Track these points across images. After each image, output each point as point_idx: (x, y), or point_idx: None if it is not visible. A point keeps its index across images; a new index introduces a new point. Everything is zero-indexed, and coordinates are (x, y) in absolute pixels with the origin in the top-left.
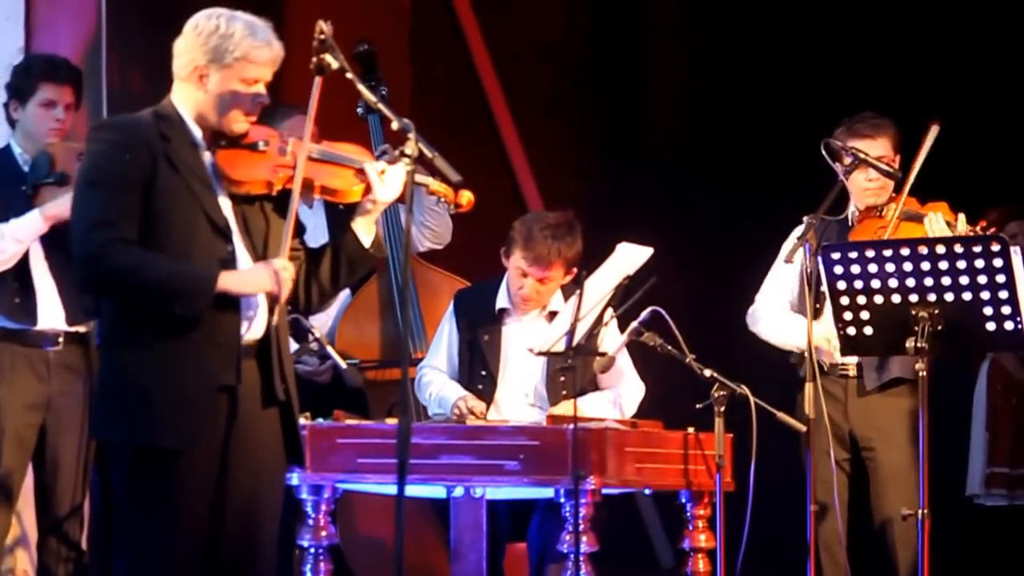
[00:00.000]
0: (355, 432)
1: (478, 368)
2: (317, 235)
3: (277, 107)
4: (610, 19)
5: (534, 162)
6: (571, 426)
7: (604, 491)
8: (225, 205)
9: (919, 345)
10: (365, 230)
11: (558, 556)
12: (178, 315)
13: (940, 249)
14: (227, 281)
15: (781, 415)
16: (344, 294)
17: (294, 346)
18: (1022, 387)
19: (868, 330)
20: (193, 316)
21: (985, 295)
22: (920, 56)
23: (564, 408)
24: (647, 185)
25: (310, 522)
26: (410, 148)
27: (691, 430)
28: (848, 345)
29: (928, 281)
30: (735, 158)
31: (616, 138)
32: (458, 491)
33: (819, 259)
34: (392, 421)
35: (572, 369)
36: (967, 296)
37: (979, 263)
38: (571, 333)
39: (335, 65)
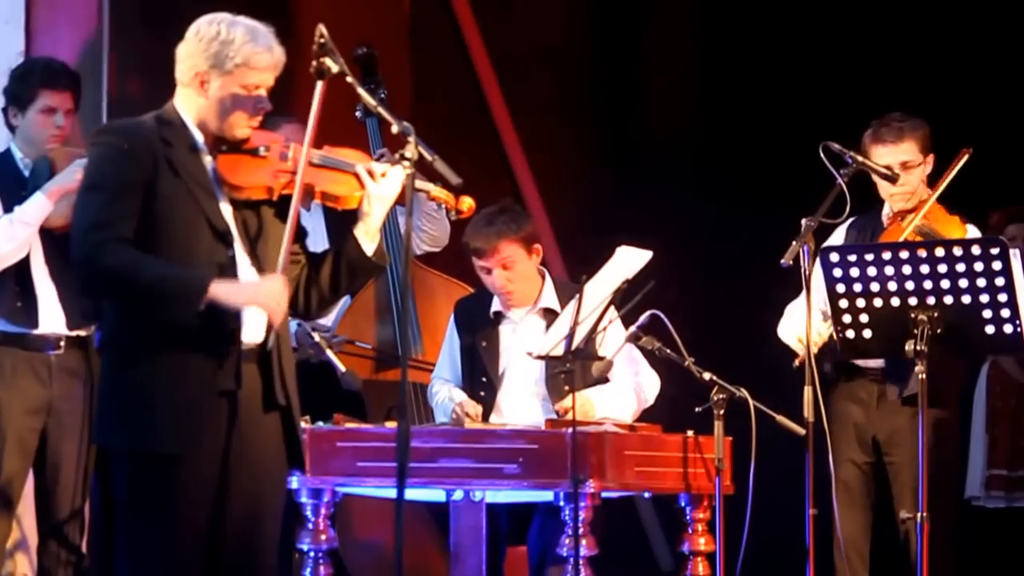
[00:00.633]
0: (355, 436)
1: (479, 374)
2: (316, 239)
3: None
4: (610, 23)
5: (534, 166)
6: (570, 429)
7: (603, 494)
8: (226, 210)
9: (918, 348)
10: (367, 237)
11: (558, 559)
12: (173, 320)
13: (939, 252)
14: (219, 291)
15: (780, 418)
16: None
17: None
18: (1021, 389)
19: (867, 333)
20: (186, 321)
21: (984, 298)
22: (919, 58)
23: (570, 401)
24: (647, 189)
25: (310, 526)
26: (410, 152)
27: (690, 433)
28: (847, 348)
29: (927, 284)
30: (735, 162)
31: (616, 141)
32: (457, 495)
33: (818, 261)
34: (391, 424)
35: (571, 373)
36: (966, 299)
37: (978, 266)
38: (570, 336)
39: (335, 69)
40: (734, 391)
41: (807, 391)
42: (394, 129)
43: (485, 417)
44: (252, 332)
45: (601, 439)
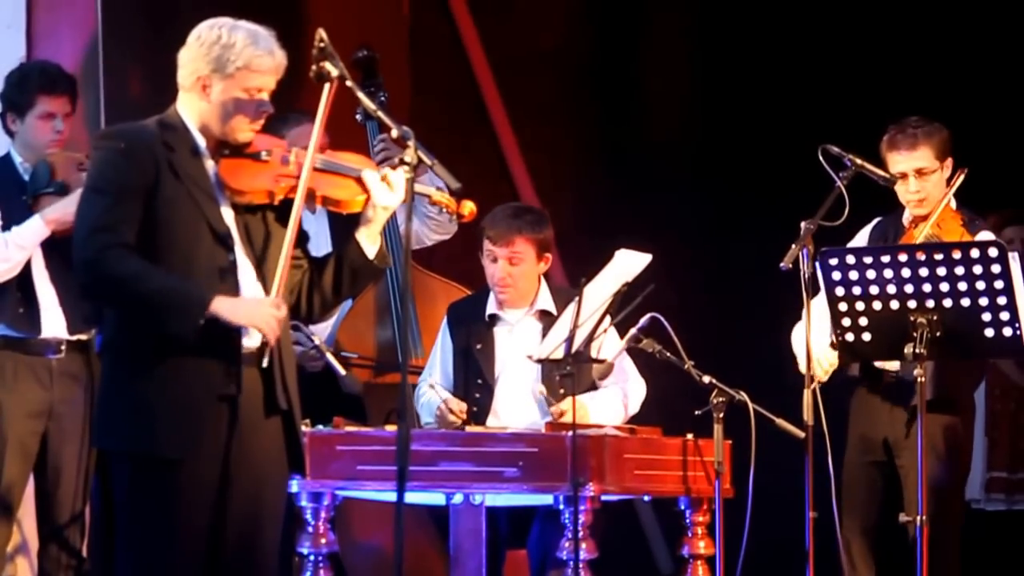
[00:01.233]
0: (355, 439)
1: (474, 376)
2: (319, 243)
3: (289, 114)
4: (609, 26)
5: (533, 168)
6: (570, 433)
7: (603, 498)
8: (227, 214)
9: (917, 351)
10: (369, 240)
11: (558, 563)
12: (171, 333)
13: (938, 255)
14: (220, 307)
15: (780, 421)
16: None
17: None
18: (1021, 392)
19: (866, 336)
20: (185, 334)
21: (983, 301)
22: (919, 60)
23: (567, 404)
24: (646, 192)
25: (310, 529)
26: (409, 155)
27: (690, 437)
28: (846, 351)
29: (926, 287)
30: (734, 165)
31: (615, 144)
32: (457, 498)
33: (817, 265)
34: (391, 428)
35: (570, 376)
36: (965, 302)
37: (977, 269)
38: (570, 340)
39: (335, 73)
40: (734, 394)
41: (806, 394)
42: (394, 133)
43: (481, 420)
44: (253, 337)
45: (601, 443)
